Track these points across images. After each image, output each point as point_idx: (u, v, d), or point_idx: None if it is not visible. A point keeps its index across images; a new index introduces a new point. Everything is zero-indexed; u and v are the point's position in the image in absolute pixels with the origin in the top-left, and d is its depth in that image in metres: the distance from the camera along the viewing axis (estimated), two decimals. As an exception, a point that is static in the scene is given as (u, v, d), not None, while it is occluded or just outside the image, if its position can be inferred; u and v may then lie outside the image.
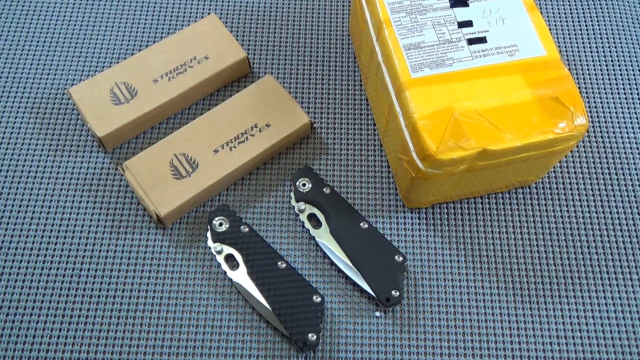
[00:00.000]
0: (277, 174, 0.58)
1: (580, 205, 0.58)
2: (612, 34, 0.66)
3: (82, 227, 0.56)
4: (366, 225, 0.54)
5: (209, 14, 0.66)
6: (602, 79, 0.64)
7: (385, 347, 0.52)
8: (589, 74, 0.64)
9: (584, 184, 0.59)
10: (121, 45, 0.64)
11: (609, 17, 0.67)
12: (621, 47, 0.66)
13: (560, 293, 0.54)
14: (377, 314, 0.53)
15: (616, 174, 0.59)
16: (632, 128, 0.61)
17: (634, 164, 0.60)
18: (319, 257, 0.55)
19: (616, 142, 0.61)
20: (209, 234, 0.54)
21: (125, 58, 0.63)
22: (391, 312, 0.53)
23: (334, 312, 0.53)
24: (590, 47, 0.66)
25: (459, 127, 0.47)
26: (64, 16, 0.66)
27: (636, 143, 0.61)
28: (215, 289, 0.54)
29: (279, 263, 0.53)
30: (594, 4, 0.68)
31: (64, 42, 0.64)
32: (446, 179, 0.50)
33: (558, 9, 0.68)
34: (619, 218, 0.57)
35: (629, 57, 0.65)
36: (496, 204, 0.58)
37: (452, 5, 0.52)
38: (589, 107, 0.62)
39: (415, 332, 0.52)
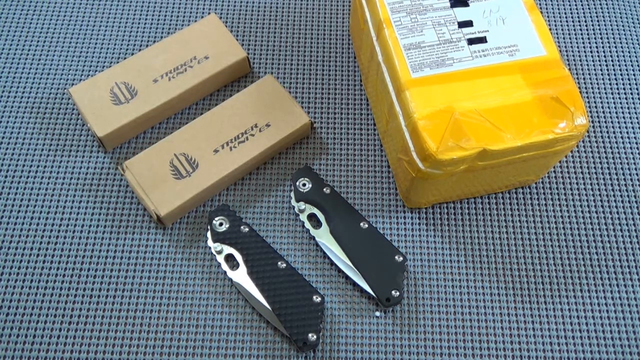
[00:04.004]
0: (277, 174, 0.58)
1: (580, 205, 0.58)
2: (612, 34, 0.66)
3: (82, 227, 0.56)
4: (366, 225, 0.54)
5: (209, 14, 0.66)
6: (602, 79, 0.64)
7: (385, 347, 0.52)
8: (589, 74, 0.64)
9: (584, 184, 0.59)
10: (121, 45, 0.64)
11: (609, 17, 0.67)
12: (621, 47, 0.66)
13: (560, 293, 0.54)
14: (377, 314, 0.53)
15: (616, 174, 0.59)
16: (632, 128, 0.61)
17: (634, 164, 0.60)
18: (319, 257, 0.55)
19: (616, 142, 0.61)
20: (209, 234, 0.54)
21: (125, 58, 0.63)
22: (391, 312, 0.53)
23: (334, 312, 0.53)
24: (590, 47, 0.66)
25: (459, 127, 0.47)
26: (64, 16, 0.66)
27: (636, 143, 0.61)
28: (215, 289, 0.54)
29: (279, 263, 0.53)
30: (594, 4, 0.68)
31: (64, 42, 0.64)
32: (446, 179, 0.50)
33: (558, 9, 0.68)
34: (619, 218, 0.57)
35: (629, 57, 0.65)
36: (496, 204, 0.58)
37: (452, 5, 0.52)
38: (589, 107, 0.62)
39: (415, 332, 0.52)
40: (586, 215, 0.57)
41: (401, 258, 0.53)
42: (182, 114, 0.61)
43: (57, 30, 0.65)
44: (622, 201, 0.58)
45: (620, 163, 0.60)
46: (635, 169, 0.59)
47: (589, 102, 0.63)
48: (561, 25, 0.67)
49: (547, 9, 0.68)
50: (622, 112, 0.62)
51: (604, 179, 0.59)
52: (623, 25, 0.67)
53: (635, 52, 0.65)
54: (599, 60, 0.65)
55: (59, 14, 0.66)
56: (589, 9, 0.68)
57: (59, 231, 0.55)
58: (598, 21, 0.67)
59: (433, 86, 0.49)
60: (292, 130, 0.57)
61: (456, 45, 0.51)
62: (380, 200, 0.57)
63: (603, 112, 0.62)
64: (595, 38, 0.66)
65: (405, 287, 0.54)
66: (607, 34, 0.66)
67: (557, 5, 0.68)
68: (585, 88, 0.63)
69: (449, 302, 0.53)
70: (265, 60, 0.64)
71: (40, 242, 0.55)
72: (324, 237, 0.54)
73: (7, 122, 0.60)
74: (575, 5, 0.68)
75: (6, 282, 0.53)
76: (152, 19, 0.66)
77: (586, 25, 0.67)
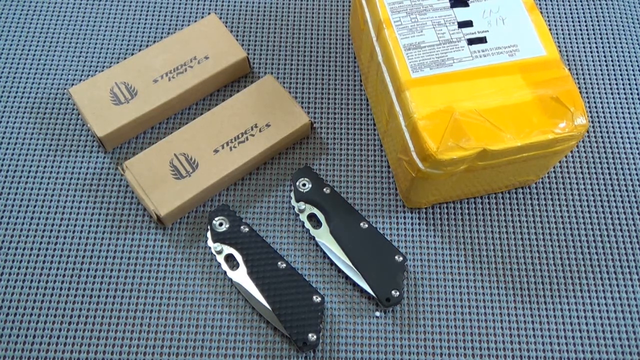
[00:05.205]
0: (277, 174, 0.58)
1: (580, 205, 0.58)
2: (612, 34, 0.66)
3: (82, 227, 0.56)
4: (366, 225, 0.54)
5: (209, 14, 0.66)
6: (602, 79, 0.64)
7: (385, 347, 0.52)
8: (589, 74, 0.64)
9: (584, 184, 0.59)
10: (121, 45, 0.64)
11: (609, 17, 0.67)
12: (621, 47, 0.66)
13: (560, 293, 0.54)
14: (377, 314, 0.53)
15: (616, 174, 0.59)
16: (632, 128, 0.61)
17: (634, 164, 0.60)
18: (319, 257, 0.55)
19: (616, 142, 0.61)
20: (209, 234, 0.54)
21: (125, 58, 0.63)
22: (391, 312, 0.53)
23: (334, 312, 0.53)
24: (590, 47, 0.66)
25: (459, 127, 0.47)
26: (64, 16, 0.66)
27: (636, 143, 0.61)
28: (215, 289, 0.54)
29: (279, 263, 0.53)
30: (594, 4, 0.68)
31: (64, 42, 0.64)
32: (446, 179, 0.50)
33: (558, 9, 0.68)
34: (619, 218, 0.57)
35: (629, 57, 0.65)
36: (496, 204, 0.58)
37: (452, 5, 0.52)
38: (589, 107, 0.62)
39: (415, 332, 0.52)
40: (586, 215, 0.57)
41: (401, 258, 0.53)
42: (182, 114, 0.61)
43: (57, 30, 0.65)
44: (622, 201, 0.58)
45: (620, 163, 0.60)
46: (635, 169, 0.59)
47: (589, 102, 0.63)
48: (561, 25, 0.67)
49: (547, 9, 0.68)
50: (622, 112, 0.62)
51: (604, 179, 0.59)
52: (623, 25, 0.67)
53: (635, 52, 0.65)
54: (599, 60, 0.65)
55: (59, 14, 0.66)
56: (589, 9, 0.68)
57: (59, 231, 0.55)
58: (598, 21, 0.67)
59: (433, 86, 0.49)
60: (292, 130, 0.57)
61: (456, 45, 0.51)
62: (380, 200, 0.57)
63: (603, 112, 0.62)
64: (595, 38, 0.66)
65: (405, 287, 0.54)
66: (607, 34, 0.66)
67: (557, 5, 0.68)
68: (585, 88, 0.63)
69: (449, 302, 0.53)
70: (265, 60, 0.64)
71: (40, 242, 0.55)
72: (324, 237, 0.54)
73: (7, 122, 0.60)
74: (575, 5, 0.68)
75: (6, 282, 0.53)
76: (152, 19, 0.66)
77: (586, 25, 0.67)
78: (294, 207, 0.57)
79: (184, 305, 0.53)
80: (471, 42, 0.51)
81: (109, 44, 0.64)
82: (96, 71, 0.63)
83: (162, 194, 0.54)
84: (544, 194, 0.58)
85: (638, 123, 0.62)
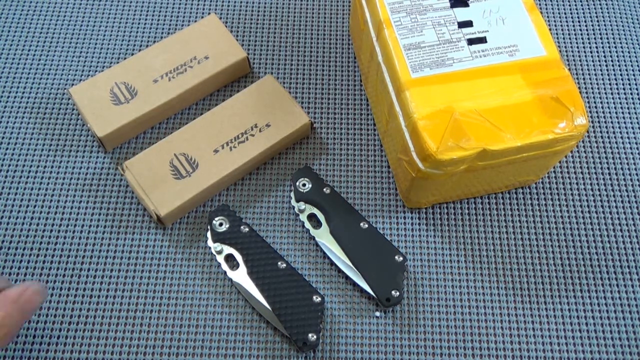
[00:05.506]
0: (277, 174, 0.58)
1: (580, 205, 0.58)
2: (612, 34, 0.66)
3: (82, 227, 0.56)
4: (366, 225, 0.54)
5: (209, 14, 0.66)
6: (602, 79, 0.64)
7: (385, 347, 0.52)
8: (589, 74, 0.64)
9: (584, 184, 0.59)
10: (121, 45, 0.64)
11: (609, 17, 0.67)
12: (621, 47, 0.66)
13: (560, 293, 0.54)
14: (377, 314, 0.53)
15: (616, 174, 0.59)
16: (632, 128, 0.61)
17: (634, 164, 0.60)
18: (319, 257, 0.55)
19: (616, 142, 0.61)
20: (209, 234, 0.54)
21: (125, 58, 0.63)
22: (391, 312, 0.53)
23: (334, 312, 0.53)
24: (590, 47, 0.66)
25: (459, 127, 0.47)
26: (64, 16, 0.66)
27: (636, 143, 0.61)
28: (215, 289, 0.54)
29: (279, 263, 0.53)
30: (594, 4, 0.68)
31: (64, 42, 0.64)
32: (446, 179, 0.50)
33: (558, 9, 0.68)
34: (619, 218, 0.57)
35: (629, 57, 0.65)
36: (496, 204, 0.58)
37: (452, 5, 0.52)
38: (589, 107, 0.62)
39: (415, 332, 0.52)
40: (586, 215, 0.57)
41: (401, 258, 0.53)
42: (182, 114, 0.61)
43: (57, 30, 0.65)
44: (622, 201, 0.58)
45: (620, 163, 0.60)
46: (635, 169, 0.59)
47: (589, 102, 0.63)
48: (561, 25, 0.67)
49: (547, 9, 0.68)
50: (622, 112, 0.62)
51: (604, 179, 0.59)
52: (623, 25, 0.67)
53: (635, 52, 0.65)
54: (599, 60, 0.65)
55: (59, 14, 0.66)
56: (589, 9, 0.68)
57: (59, 231, 0.55)
58: (598, 21, 0.67)
59: (433, 86, 0.49)
60: (292, 130, 0.57)
61: (456, 46, 0.51)
62: (380, 200, 0.57)
63: (603, 112, 0.62)
64: (595, 38, 0.66)
65: (405, 287, 0.54)
66: (607, 34, 0.66)
67: (557, 5, 0.68)
68: (585, 88, 0.63)
69: (449, 302, 0.53)
70: (265, 60, 0.64)
71: (40, 242, 0.55)
72: (324, 237, 0.54)
73: (7, 122, 0.60)
74: (575, 5, 0.68)
75: (6, 282, 0.53)
76: (152, 19, 0.66)
77: (586, 25, 0.67)
78: (294, 207, 0.57)
79: (184, 305, 0.53)
80: (471, 42, 0.51)
81: (109, 44, 0.64)
82: (96, 71, 0.63)
83: (162, 194, 0.54)
84: (544, 194, 0.58)
85: (638, 123, 0.62)
